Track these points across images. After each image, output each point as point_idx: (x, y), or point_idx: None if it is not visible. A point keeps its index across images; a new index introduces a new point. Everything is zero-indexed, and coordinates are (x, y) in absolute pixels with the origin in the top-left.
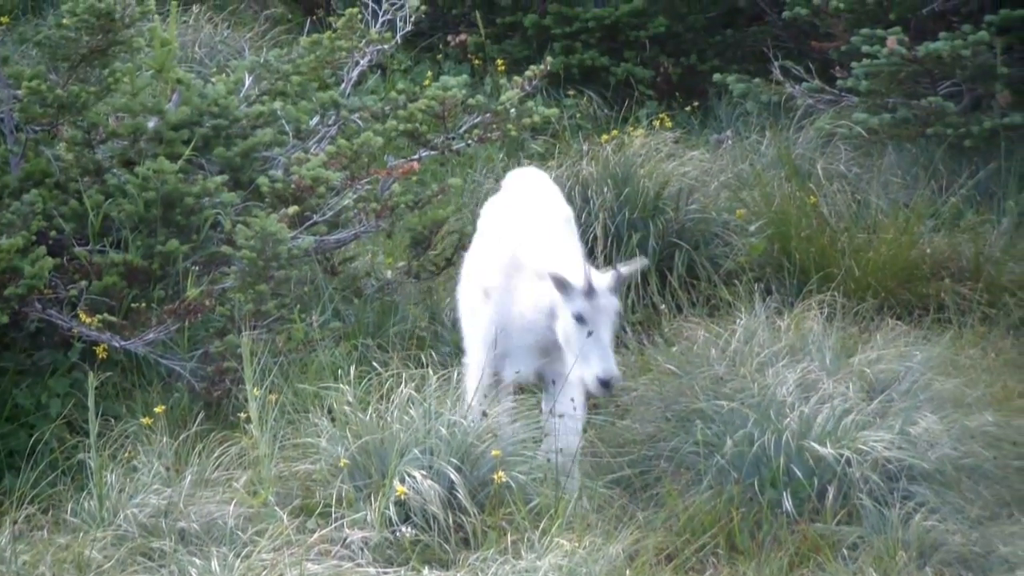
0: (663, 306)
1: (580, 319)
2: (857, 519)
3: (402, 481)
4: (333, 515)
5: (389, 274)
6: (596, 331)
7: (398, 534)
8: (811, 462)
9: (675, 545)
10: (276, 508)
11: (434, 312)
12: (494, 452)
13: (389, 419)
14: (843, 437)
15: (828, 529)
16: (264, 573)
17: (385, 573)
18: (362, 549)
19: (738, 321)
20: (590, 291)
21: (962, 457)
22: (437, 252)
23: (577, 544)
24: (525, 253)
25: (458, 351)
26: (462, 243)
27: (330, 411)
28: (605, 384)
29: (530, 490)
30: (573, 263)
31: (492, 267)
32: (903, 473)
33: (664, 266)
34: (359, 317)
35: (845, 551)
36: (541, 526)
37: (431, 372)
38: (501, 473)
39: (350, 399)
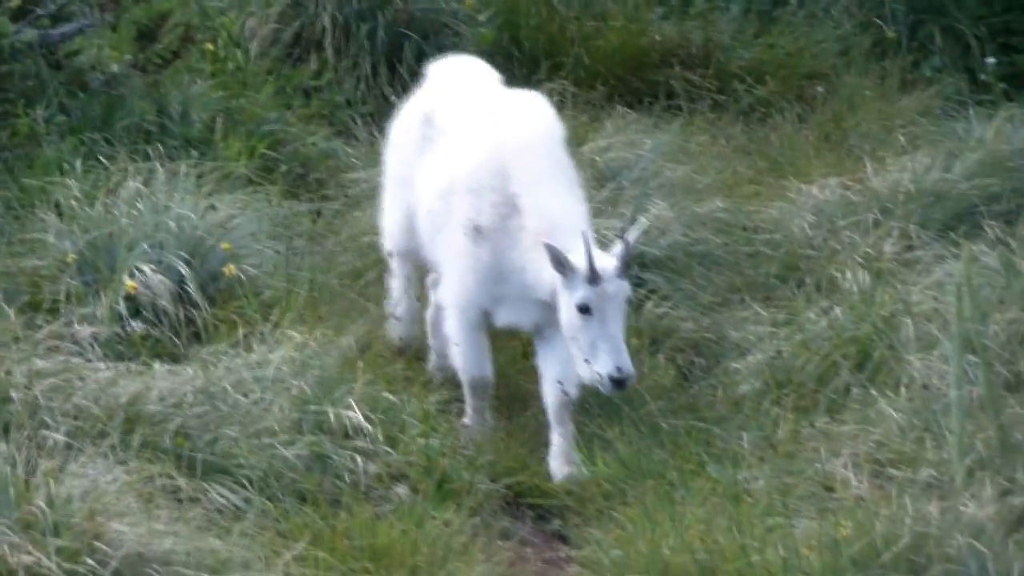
0: (393, 96)
1: (584, 309)
2: None
3: (131, 276)
4: (62, 311)
5: (115, 67)
6: (604, 321)
7: (128, 329)
8: None
9: None
10: (3, 304)
11: (161, 105)
12: (224, 245)
13: (117, 213)
14: None
15: None
16: None
17: (115, 368)
18: (92, 345)
19: None
20: (594, 277)
21: (693, 244)
22: (163, 45)
23: (308, 336)
24: (525, 201)
25: (188, 145)
26: (188, 35)
27: (57, 206)
28: (619, 383)
29: (261, 283)
30: (574, 226)
31: (484, 204)
32: (634, 260)
33: (394, 57)
34: (85, 111)
35: None
36: (272, 319)
37: (159, 166)
38: (231, 266)
39: (77, 194)
